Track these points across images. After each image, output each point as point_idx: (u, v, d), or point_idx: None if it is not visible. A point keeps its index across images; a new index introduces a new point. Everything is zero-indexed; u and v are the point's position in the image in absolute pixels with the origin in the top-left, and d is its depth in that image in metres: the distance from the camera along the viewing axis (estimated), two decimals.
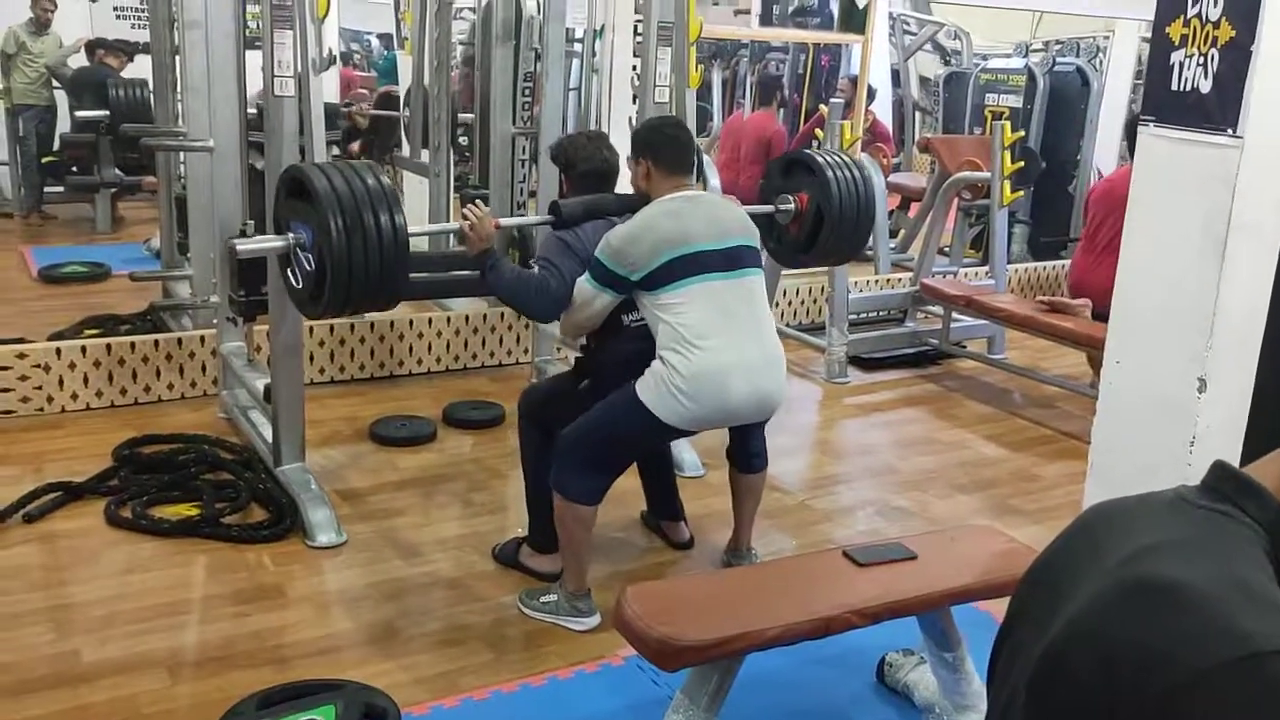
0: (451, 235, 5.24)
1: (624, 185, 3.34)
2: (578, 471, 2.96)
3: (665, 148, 3.03)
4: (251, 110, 4.65)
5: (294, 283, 3.07)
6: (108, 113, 7.53)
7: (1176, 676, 0.83)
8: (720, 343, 2.84)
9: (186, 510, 3.55)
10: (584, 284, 2.95)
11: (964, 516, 3.92)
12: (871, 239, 7.28)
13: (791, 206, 3.67)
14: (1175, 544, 0.93)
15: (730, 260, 2.92)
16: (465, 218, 3.04)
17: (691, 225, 2.91)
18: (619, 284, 2.89)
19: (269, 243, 3.13)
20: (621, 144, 3.51)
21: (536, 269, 3.07)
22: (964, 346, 5.89)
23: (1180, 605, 0.87)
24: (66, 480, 3.67)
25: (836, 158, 3.72)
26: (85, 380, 4.39)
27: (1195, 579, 0.88)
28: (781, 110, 8.83)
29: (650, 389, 2.85)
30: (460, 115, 6.93)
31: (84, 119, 7.81)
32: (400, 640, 2.96)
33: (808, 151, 3.90)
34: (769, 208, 3.72)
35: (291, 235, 3.03)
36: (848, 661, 2.88)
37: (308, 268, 2.97)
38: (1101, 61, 9.72)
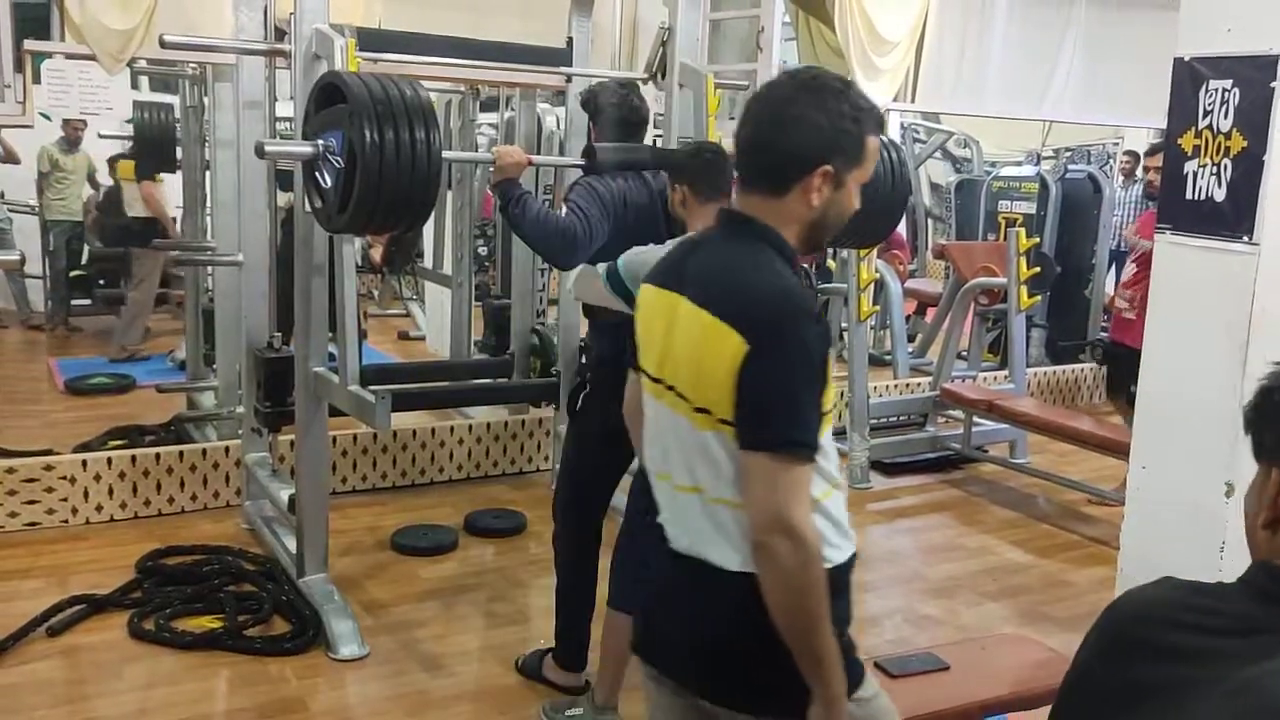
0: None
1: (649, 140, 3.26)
2: (629, 580, 2.97)
3: (702, 173, 2.91)
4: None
5: (322, 185, 2.97)
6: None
7: None
8: None
9: (209, 623, 3.53)
10: (601, 278, 2.88)
11: (993, 624, 3.86)
12: (889, 343, 7.36)
13: None
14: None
15: None
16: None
17: None
18: (631, 303, 2.88)
19: (298, 147, 3.06)
20: None
21: (564, 210, 2.96)
22: (986, 451, 5.86)
23: None
24: (90, 593, 3.66)
25: None
26: (110, 492, 4.41)
27: None
28: None
29: None
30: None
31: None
32: None
33: None
34: None
35: (321, 141, 2.93)
36: None
37: (337, 168, 2.86)
38: (1112, 167, 9.88)
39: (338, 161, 2.86)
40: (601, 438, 3.17)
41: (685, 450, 1.62)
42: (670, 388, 1.63)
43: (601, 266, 2.91)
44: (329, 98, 2.93)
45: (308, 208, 3.19)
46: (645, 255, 2.87)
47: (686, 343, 1.59)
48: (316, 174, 2.98)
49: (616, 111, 3.23)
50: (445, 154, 2.91)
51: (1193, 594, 1.07)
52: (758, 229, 1.60)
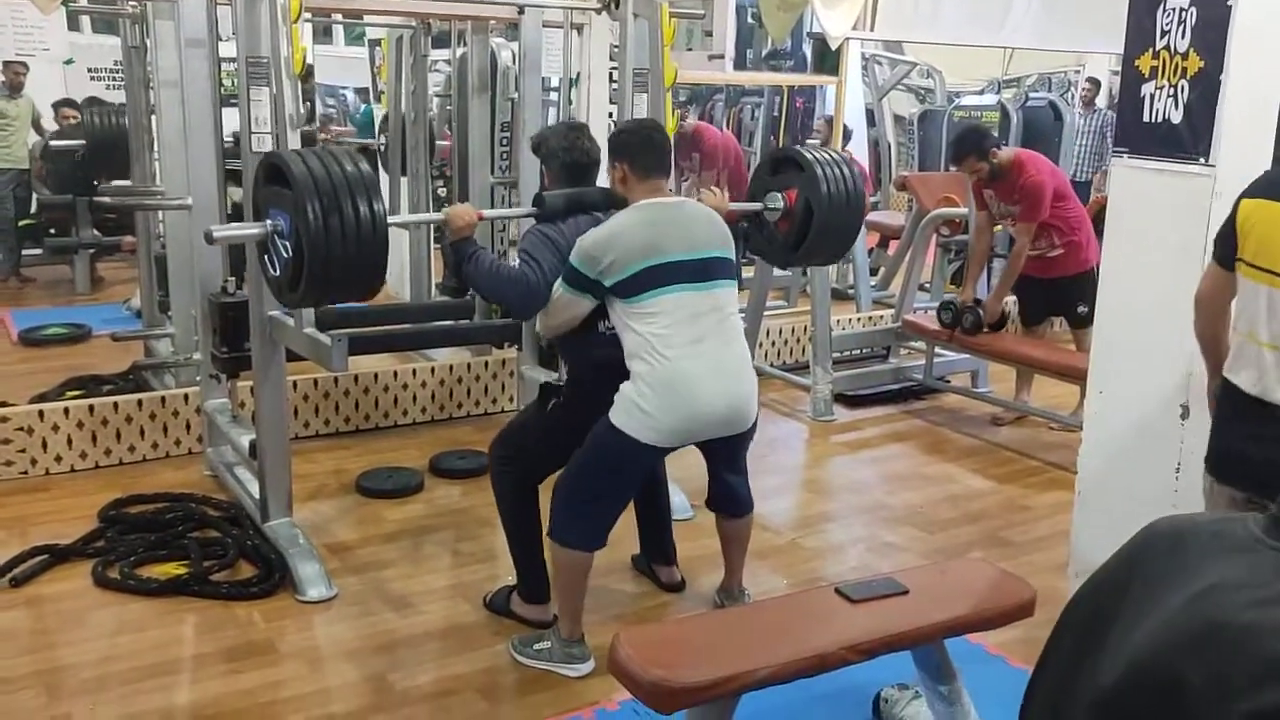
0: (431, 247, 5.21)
1: (605, 179, 3.26)
2: (573, 519, 2.97)
3: (641, 151, 3.00)
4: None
5: (272, 271, 3.02)
6: (83, 141, 7.51)
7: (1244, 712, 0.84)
8: (688, 351, 2.84)
9: (174, 569, 3.51)
10: (560, 289, 2.94)
11: (955, 550, 3.92)
12: (852, 276, 7.36)
13: (780, 204, 3.63)
14: (1247, 585, 0.93)
15: (702, 272, 2.91)
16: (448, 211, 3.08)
17: (665, 235, 2.89)
18: (593, 289, 2.88)
19: (247, 229, 3.08)
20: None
21: (517, 261, 3.03)
22: (948, 381, 5.91)
23: (1248, 647, 0.87)
24: (52, 543, 3.63)
25: (826, 154, 3.70)
26: (69, 442, 4.36)
27: (1268, 623, 0.88)
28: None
29: (622, 412, 2.87)
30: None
31: (58, 148, 7.80)
32: (394, 693, 2.93)
33: (796, 148, 3.91)
34: (757, 205, 3.69)
35: (269, 222, 2.97)
36: (843, 698, 2.86)
37: (285, 255, 2.91)
38: (1072, 95, 9.87)
39: (286, 249, 2.91)
40: (568, 435, 3.12)
41: None
42: None
43: (558, 282, 2.94)
44: (272, 176, 2.97)
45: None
46: (595, 235, 2.90)
47: None
48: (269, 253, 3.02)
49: (567, 155, 3.26)
50: (391, 219, 2.97)
51: (1224, 517, 1.07)
52: None
